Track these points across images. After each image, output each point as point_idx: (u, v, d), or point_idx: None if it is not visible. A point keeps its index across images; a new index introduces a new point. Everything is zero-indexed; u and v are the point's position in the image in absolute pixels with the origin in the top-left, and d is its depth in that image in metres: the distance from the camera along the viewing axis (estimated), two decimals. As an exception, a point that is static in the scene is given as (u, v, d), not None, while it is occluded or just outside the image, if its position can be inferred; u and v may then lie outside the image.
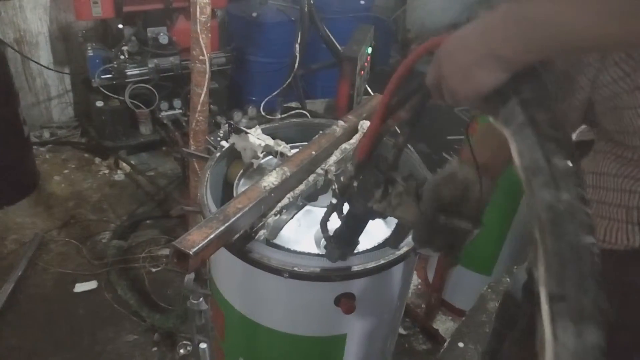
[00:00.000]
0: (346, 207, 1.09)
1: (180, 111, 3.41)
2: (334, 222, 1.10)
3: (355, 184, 1.01)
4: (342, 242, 1.12)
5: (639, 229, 0.86)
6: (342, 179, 1.03)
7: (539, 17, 0.62)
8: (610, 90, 0.84)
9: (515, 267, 2.08)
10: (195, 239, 0.91)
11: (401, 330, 2.44)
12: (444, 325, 2.52)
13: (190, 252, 0.88)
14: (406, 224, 1.01)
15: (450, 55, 0.73)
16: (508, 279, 2.05)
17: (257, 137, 1.33)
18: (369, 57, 2.79)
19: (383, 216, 1.05)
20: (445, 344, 1.85)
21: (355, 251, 1.15)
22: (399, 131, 0.93)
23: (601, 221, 0.90)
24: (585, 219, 0.57)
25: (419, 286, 2.76)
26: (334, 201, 1.08)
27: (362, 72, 2.69)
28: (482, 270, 2.39)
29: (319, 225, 1.28)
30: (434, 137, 2.85)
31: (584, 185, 0.59)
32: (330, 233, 1.11)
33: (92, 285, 2.61)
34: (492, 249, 2.32)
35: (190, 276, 1.00)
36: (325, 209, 1.15)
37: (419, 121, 0.90)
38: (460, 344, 1.79)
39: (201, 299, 1.04)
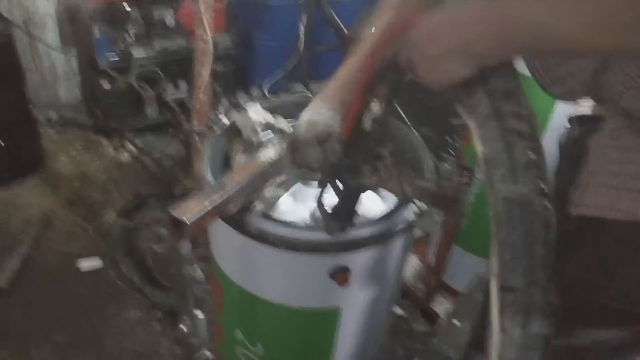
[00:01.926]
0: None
1: (186, 94, 3.41)
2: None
3: (344, 162, 1.03)
4: (340, 216, 1.13)
5: None
6: (330, 158, 1.04)
7: (526, 16, 0.59)
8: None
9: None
10: (191, 208, 0.93)
11: (401, 312, 2.46)
12: (442, 307, 2.52)
13: (186, 220, 0.90)
14: (399, 197, 1.03)
15: (417, 45, 0.72)
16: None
17: (256, 114, 1.34)
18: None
19: (375, 190, 1.07)
20: (440, 320, 1.86)
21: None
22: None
23: (630, 195, 0.90)
24: (542, 212, 0.57)
25: (420, 268, 2.77)
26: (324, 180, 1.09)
27: (367, 54, 2.66)
28: (483, 253, 2.40)
29: (315, 200, 1.30)
30: (437, 121, 2.85)
31: (545, 177, 0.59)
32: (327, 208, 1.13)
33: (97, 263, 2.64)
34: None
35: (186, 245, 1.02)
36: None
37: (397, 96, 0.92)
38: (456, 322, 1.80)
39: (196, 266, 1.07)
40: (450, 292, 2.58)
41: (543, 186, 0.58)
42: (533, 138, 0.61)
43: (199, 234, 0.96)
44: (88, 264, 2.64)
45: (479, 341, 1.71)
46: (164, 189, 3.13)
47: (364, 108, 0.94)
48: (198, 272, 1.07)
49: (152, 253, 2.72)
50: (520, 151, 0.59)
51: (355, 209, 1.12)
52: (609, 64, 0.84)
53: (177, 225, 0.91)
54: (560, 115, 1.92)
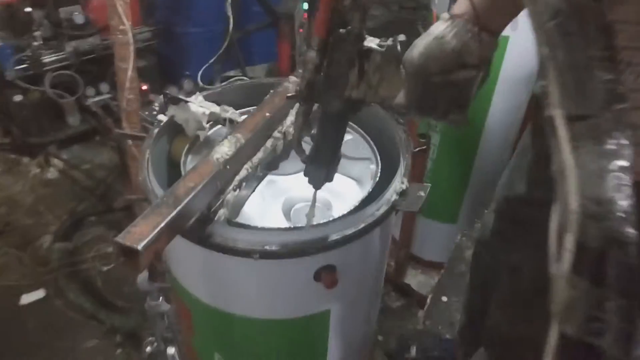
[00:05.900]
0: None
1: (109, 95, 3.18)
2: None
3: (322, 74, 0.86)
4: (323, 158, 0.98)
5: None
6: (304, 74, 0.87)
7: None
8: None
9: (485, 210, 2.02)
10: (142, 231, 0.75)
11: (374, 291, 2.39)
12: (415, 279, 2.51)
13: (139, 248, 0.72)
14: (396, 106, 0.88)
15: None
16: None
17: (199, 106, 1.17)
18: (305, 14, 2.64)
19: (365, 104, 0.91)
20: (428, 299, 1.78)
21: (330, 218, 1.03)
22: None
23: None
24: (601, 20, 0.46)
25: (387, 244, 2.70)
26: (301, 109, 0.93)
27: (301, 29, 2.55)
28: (447, 219, 2.36)
29: (284, 197, 1.15)
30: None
31: None
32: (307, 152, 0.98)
33: (39, 294, 2.45)
34: (455, 196, 2.28)
35: (143, 275, 0.85)
36: (290, 175, 1.02)
37: None
38: (444, 298, 1.72)
39: (161, 298, 0.90)
40: (421, 263, 2.55)
41: None
42: None
43: (156, 259, 0.79)
44: (30, 296, 2.43)
45: (472, 321, 1.65)
46: (102, 202, 2.95)
47: None
48: (163, 305, 0.90)
49: (99, 273, 2.54)
50: None
51: (340, 146, 0.97)
52: None
53: (128, 254, 0.74)
54: (512, 64, 1.86)
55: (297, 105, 0.95)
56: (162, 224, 0.78)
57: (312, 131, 0.98)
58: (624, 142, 0.44)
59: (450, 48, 0.79)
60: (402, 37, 0.84)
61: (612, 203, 0.43)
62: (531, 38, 0.54)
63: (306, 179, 1.02)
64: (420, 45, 0.80)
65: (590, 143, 0.44)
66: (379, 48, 0.84)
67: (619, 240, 0.42)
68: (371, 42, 0.85)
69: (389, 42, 0.84)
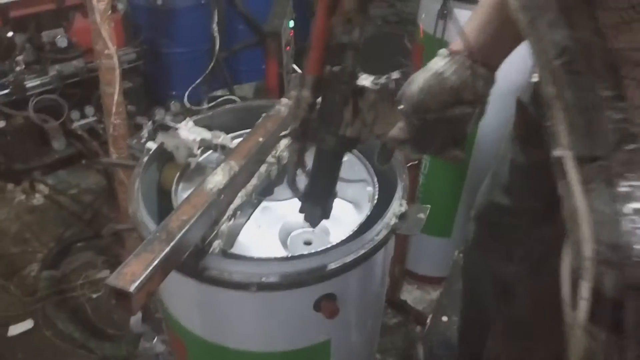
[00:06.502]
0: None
1: (95, 118, 3.13)
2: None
3: (316, 110, 0.85)
4: (319, 195, 0.96)
5: None
6: (297, 112, 0.86)
7: None
8: None
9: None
10: (135, 271, 0.72)
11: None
12: (410, 295, 2.50)
13: (131, 290, 0.69)
14: (390, 140, 0.87)
15: None
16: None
17: (189, 132, 1.13)
18: (291, 31, 2.64)
19: (360, 142, 0.90)
20: (428, 320, 1.75)
21: (329, 245, 1.00)
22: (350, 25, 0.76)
23: None
24: (607, 57, 0.45)
25: (382, 261, 2.67)
26: (295, 147, 0.91)
27: (288, 47, 2.53)
28: (441, 233, 2.36)
29: (281, 223, 1.12)
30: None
31: (597, 15, 0.46)
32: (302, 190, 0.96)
33: (27, 325, 2.40)
34: (448, 210, 2.28)
35: (136, 317, 0.81)
36: (285, 201, 0.99)
37: (369, 4, 0.76)
38: (444, 318, 1.69)
39: (155, 339, 0.86)
40: (416, 278, 2.53)
41: (600, 25, 0.46)
42: None
43: (149, 300, 0.75)
44: (18, 327, 2.39)
45: (467, 335, 1.62)
46: (90, 228, 2.90)
47: (330, 32, 0.77)
48: (157, 346, 0.86)
49: (89, 301, 2.50)
50: None
51: (336, 183, 0.95)
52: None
53: (120, 297, 0.70)
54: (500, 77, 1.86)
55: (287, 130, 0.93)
56: (155, 262, 0.75)
57: (307, 168, 0.96)
58: (637, 183, 0.42)
59: (450, 85, 0.78)
60: (396, 75, 0.84)
61: (628, 248, 0.41)
62: (517, 51, 0.52)
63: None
64: (420, 80, 0.79)
65: (603, 185, 0.43)
66: (373, 86, 0.84)
67: (637, 287, 0.41)
68: (365, 80, 0.85)
69: (383, 79, 0.84)
